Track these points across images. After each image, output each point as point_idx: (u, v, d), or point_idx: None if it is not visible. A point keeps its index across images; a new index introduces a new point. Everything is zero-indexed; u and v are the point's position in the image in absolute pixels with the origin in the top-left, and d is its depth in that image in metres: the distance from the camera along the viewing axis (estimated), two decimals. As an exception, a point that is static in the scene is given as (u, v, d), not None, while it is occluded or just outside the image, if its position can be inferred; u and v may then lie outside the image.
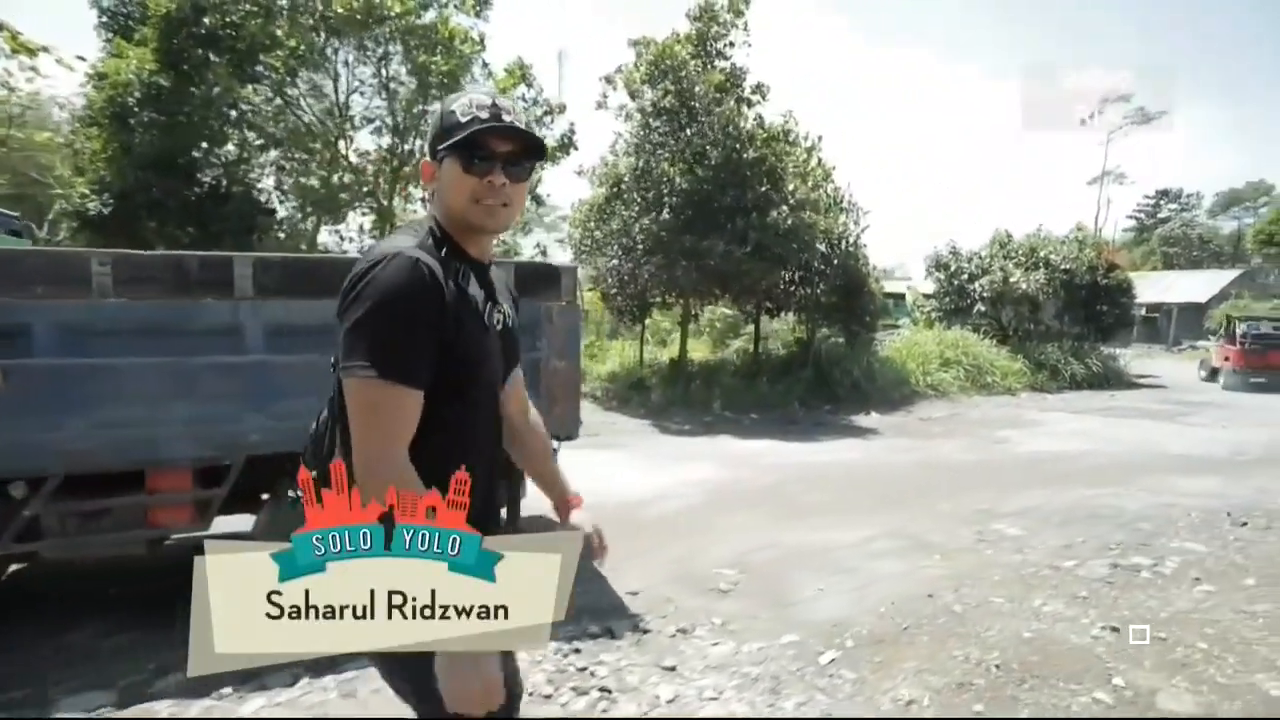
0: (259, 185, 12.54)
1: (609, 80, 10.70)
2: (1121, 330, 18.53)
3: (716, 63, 10.51)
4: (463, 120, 1.12)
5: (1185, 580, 3.59)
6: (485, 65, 13.66)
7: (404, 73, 13.30)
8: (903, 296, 21.86)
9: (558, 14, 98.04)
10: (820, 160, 11.63)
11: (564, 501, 1.42)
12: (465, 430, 1.17)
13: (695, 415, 10.00)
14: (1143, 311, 33.19)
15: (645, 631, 3.11)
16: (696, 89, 9.69)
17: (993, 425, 9.85)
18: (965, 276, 17.05)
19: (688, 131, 9.74)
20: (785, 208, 9.37)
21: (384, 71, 13.44)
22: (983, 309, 16.43)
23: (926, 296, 19.05)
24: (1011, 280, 15.68)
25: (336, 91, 14.04)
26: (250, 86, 10.93)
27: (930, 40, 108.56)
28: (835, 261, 11.28)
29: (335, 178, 14.49)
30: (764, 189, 9.54)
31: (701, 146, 9.60)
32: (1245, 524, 4.68)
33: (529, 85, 13.48)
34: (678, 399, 10.48)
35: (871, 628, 3.08)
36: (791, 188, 9.65)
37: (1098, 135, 53.29)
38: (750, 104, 10.68)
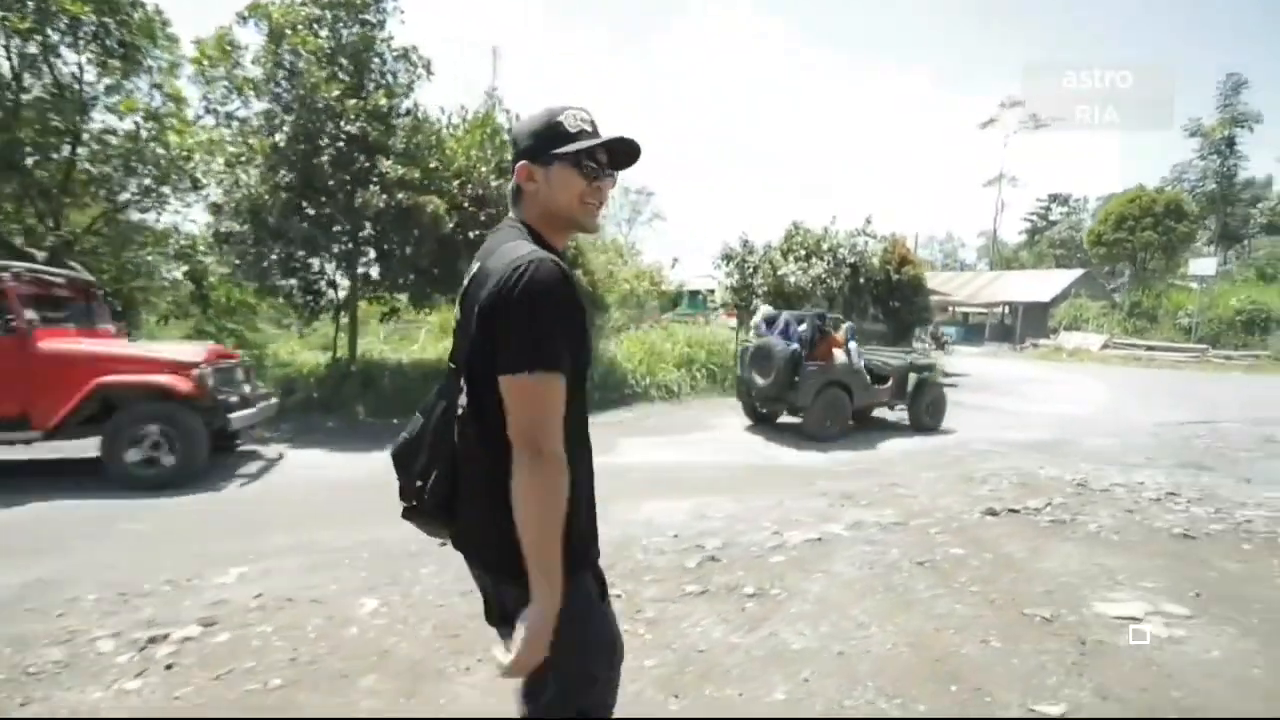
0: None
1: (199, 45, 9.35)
2: (917, 327, 18.08)
3: (341, 29, 9.20)
4: (572, 131, 1.29)
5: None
6: (170, 37, 11.90)
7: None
8: (697, 293, 21.02)
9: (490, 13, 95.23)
10: (502, 138, 10.50)
11: None
12: (585, 410, 1.31)
13: (293, 423, 8.70)
14: (1005, 309, 33.55)
15: None
16: (296, 58, 8.38)
17: (646, 433, 8.77)
18: (750, 270, 16.21)
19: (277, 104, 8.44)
20: (375, 187, 8.10)
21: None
22: (759, 304, 15.59)
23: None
24: (780, 273, 14.85)
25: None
26: None
27: (847, 45, 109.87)
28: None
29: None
30: (357, 167, 8.28)
31: (289, 120, 8.30)
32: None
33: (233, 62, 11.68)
34: (296, 405, 9.14)
35: None
36: (386, 167, 8.35)
37: (998, 139, 54.42)
38: (387, 75, 9.41)
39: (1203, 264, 24.70)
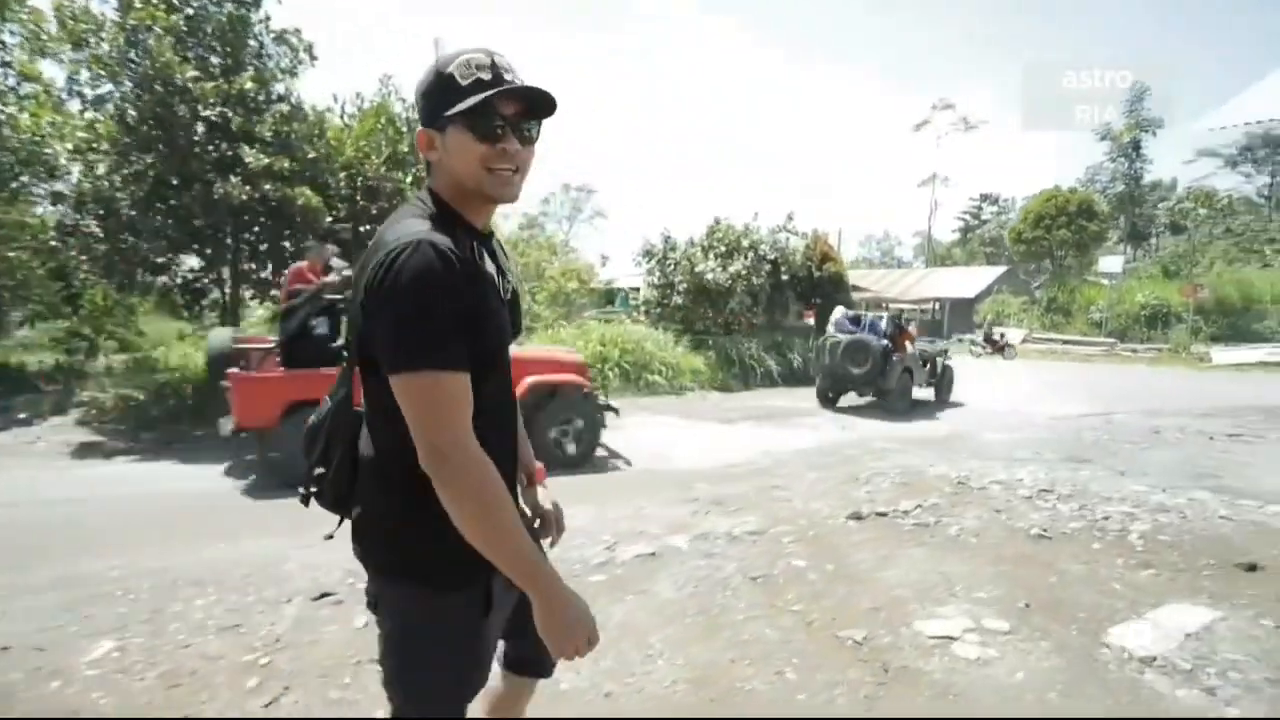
0: None
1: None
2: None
3: (210, 7, 8.49)
4: (464, 84, 1.07)
5: None
6: (27, 9, 10.82)
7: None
8: (619, 290, 20.79)
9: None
10: (397, 128, 9.94)
11: (530, 474, 1.45)
12: (501, 401, 1.20)
13: (157, 433, 7.99)
14: (935, 305, 34.39)
15: None
16: (147, 34, 7.64)
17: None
18: (671, 267, 15.98)
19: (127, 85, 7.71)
20: (235, 179, 7.47)
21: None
22: (680, 301, 15.37)
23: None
24: (698, 269, 14.66)
25: None
26: None
27: (794, 47, 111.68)
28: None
29: None
30: (218, 156, 7.63)
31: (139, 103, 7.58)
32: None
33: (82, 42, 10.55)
34: (165, 413, 8.44)
35: None
36: (249, 156, 7.71)
37: (931, 140, 55.57)
38: (265, 59, 8.74)
39: (1111, 261, 25.79)
